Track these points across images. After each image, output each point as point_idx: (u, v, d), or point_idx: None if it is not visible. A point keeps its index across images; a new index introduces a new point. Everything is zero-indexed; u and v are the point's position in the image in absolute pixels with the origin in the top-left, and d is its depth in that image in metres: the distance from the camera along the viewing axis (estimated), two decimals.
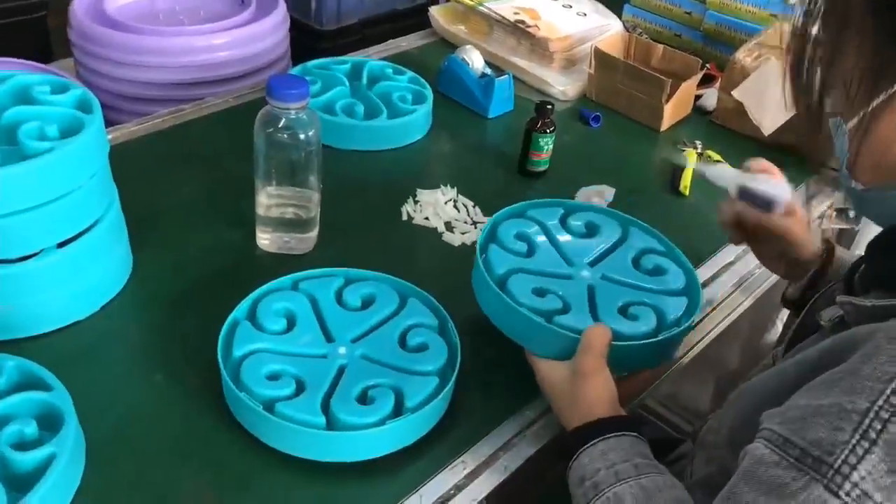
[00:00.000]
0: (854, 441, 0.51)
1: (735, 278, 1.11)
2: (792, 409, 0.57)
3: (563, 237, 0.94)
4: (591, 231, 0.95)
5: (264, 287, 0.89)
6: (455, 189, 1.18)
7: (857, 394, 0.52)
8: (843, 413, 0.52)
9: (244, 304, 0.87)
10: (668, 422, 1.70)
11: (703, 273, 1.10)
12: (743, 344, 1.57)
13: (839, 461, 0.51)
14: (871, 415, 0.51)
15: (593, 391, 0.78)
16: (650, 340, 0.83)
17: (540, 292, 0.86)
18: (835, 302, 0.71)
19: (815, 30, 0.62)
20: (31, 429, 0.72)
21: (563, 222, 0.96)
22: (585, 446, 0.74)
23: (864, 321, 0.60)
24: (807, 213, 0.92)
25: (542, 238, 0.93)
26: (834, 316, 0.66)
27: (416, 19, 1.76)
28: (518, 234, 0.92)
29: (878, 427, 0.50)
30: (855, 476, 0.50)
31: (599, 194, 1.16)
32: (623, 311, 0.86)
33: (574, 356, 0.79)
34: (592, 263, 0.91)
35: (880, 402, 0.51)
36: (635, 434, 0.75)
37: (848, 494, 0.50)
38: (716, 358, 1.56)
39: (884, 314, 0.58)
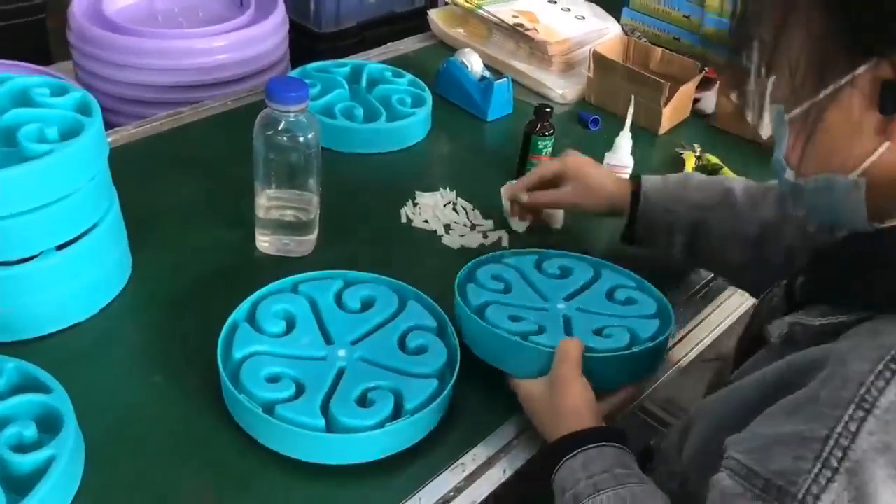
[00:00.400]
0: (816, 470, 0.51)
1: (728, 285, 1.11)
2: (754, 437, 0.57)
3: (538, 278, 0.97)
4: (564, 273, 0.98)
5: (264, 289, 0.89)
6: (454, 192, 1.18)
7: (815, 421, 0.52)
8: (803, 441, 0.52)
9: (244, 307, 0.87)
10: (666, 425, 1.70)
11: (702, 273, 1.10)
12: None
13: (802, 491, 0.51)
14: (832, 442, 0.51)
15: (571, 399, 0.78)
16: (624, 353, 0.84)
17: (516, 318, 0.87)
18: (777, 309, 0.71)
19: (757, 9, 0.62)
20: (30, 431, 0.72)
21: (539, 267, 0.99)
22: (566, 458, 0.74)
23: (813, 340, 0.60)
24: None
25: (517, 279, 0.96)
26: (782, 332, 0.65)
27: (415, 22, 1.76)
28: (494, 275, 0.95)
29: (839, 455, 0.50)
30: None
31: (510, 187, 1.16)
32: (598, 332, 0.87)
33: (553, 366, 0.81)
34: (567, 298, 0.93)
35: (839, 429, 0.51)
36: (617, 445, 0.75)
37: None
38: (714, 360, 1.56)
39: (833, 332, 0.58)
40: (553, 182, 1.05)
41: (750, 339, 0.76)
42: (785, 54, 0.59)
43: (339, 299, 0.91)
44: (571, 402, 0.78)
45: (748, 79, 0.64)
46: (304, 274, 0.92)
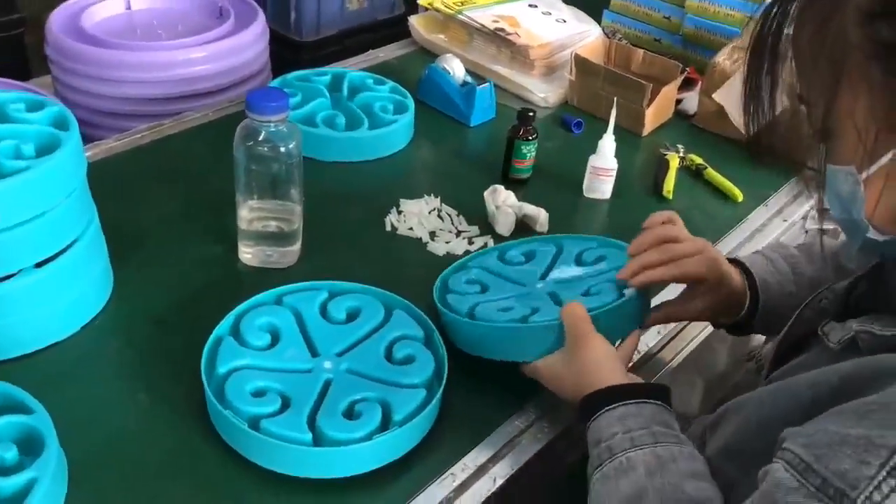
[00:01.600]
0: (880, 477, 0.49)
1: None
2: (818, 432, 0.55)
3: (507, 269, 0.97)
4: (528, 257, 0.99)
5: (247, 302, 0.88)
6: (438, 198, 1.18)
7: (887, 428, 0.51)
8: (870, 446, 0.51)
9: (227, 320, 0.86)
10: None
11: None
12: (730, 347, 1.57)
13: (862, 496, 0.49)
14: None
15: (593, 352, 0.78)
16: (618, 301, 0.84)
17: (506, 309, 0.87)
18: (826, 311, 0.70)
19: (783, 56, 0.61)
20: (11, 453, 0.71)
21: (502, 259, 1.00)
22: (605, 409, 0.73)
23: (880, 349, 0.59)
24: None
25: (489, 276, 0.97)
26: (843, 338, 0.64)
27: (396, 29, 1.76)
28: (468, 280, 0.96)
29: None
30: None
31: (494, 192, 1.16)
32: (586, 294, 0.88)
33: (565, 333, 0.80)
34: (542, 277, 0.94)
35: None
36: (659, 402, 0.74)
37: None
38: (703, 361, 1.56)
39: None
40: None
41: (792, 341, 0.75)
42: (846, 114, 0.57)
43: (324, 311, 0.90)
44: (594, 355, 0.78)
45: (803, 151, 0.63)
46: (289, 286, 0.92)
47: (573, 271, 0.94)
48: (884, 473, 0.49)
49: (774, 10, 0.61)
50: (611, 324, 0.83)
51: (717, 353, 1.59)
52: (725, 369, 1.62)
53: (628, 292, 0.85)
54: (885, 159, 0.57)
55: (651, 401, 0.74)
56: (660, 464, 0.68)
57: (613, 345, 0.83)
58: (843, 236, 0.74)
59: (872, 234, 0.61)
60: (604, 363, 0.78)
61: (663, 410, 0.74)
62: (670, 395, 0.76)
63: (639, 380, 0.78)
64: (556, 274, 0.94)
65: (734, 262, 0.91)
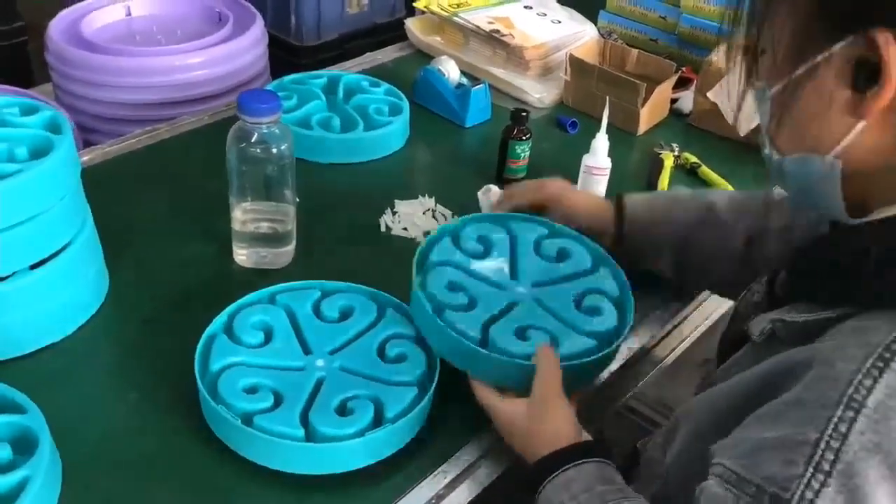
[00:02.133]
0: (808, 474, 0.50)
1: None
2: (741, 442, 0.56)
3: (476, 262, 0.93)
4: (485, 245, 0.95)
5: (241, 300, 0.89)
6: (433, 199, 1.18)
7: (804, 424, 0.51)
8: (793, 445, 0.51)
9: (221, 318, 0.87)
10: (657, 426, 1.70)
11: None
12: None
13: (796, 497, 0.50)
14: (822, 445, 0.50)
15: (552, 422, 0.77)
16: (601, 354, 0.84)
17: (522, 335, 0.84)
18: (758, 305, 0.70)
19: None
20: (4, 452, 0.72)
21: (459, 246, 0.94)
22: (549, 479, 0.73)
23: (796, 337, 0.59)
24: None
25: (464, 277, 0.91)
26: (764, 329, 0.64)
27: (396, 33, 1.76)
28: (450, 286, 0.88)
29: (831, 457, 0.50)
30: None
31: (487, 191, 1.15)
32: (577, 305, 0.88)
33: (533, 387, 0.78)
34: (513, 277, 0.92)
35: (829, 431, 0.50)
36: (597, 459, 0.73)
37: None
38: (703, 359, 1.56)
39: (816, 329, 0.57)
40: (532, 209, 1.03)
41: (731, 338, 0.75)
42: (770, 31, 0.59)
43: (317, 309, 0.90)
44: (552, 425, 0.76)
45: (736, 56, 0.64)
46: (282, 284, 0.92)
47: (542, 268, 0.92)
48: (811, 469, 0.50)
49: None
50: (582, 376, 0.84)
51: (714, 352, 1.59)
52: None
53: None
54: (786, 80, 0.58)
55: (589, 459, 0.73)
56: None
57: (580, 385, 0.84)
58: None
59: (768, 150, 0.63)
60: (557, 429, 0.76)
61: (604, 466, 0.73)
62: (606, 446, 0.76)
63: (582, 437, 0.77)
64: (526, 271, 0.91)
65: (618, 197, 1.01)
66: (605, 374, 0.93)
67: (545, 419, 0.77)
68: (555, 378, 0.78)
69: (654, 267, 1.00)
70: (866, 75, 0.54)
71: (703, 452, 0.59)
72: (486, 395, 0.81)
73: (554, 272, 0.93)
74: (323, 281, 0.94)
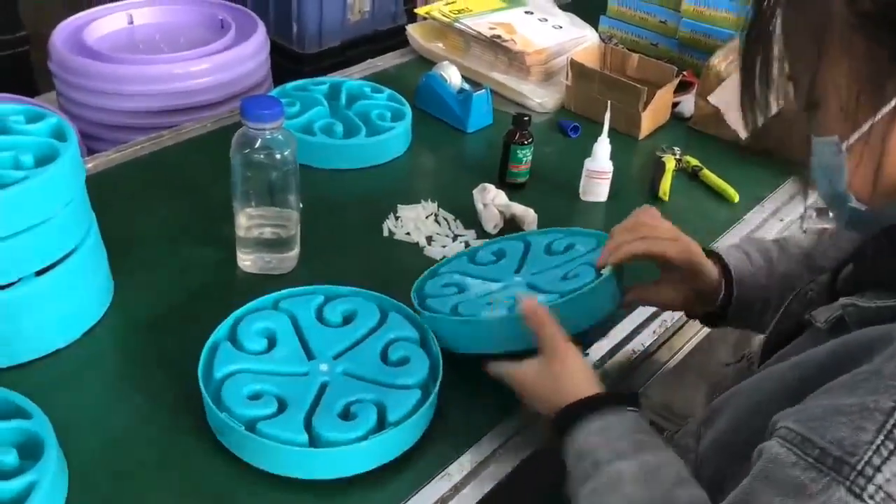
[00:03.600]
0: (878, 441, 0.49)
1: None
2: (811, 408, 0.55)
3: (480, 270, 0.98)
4: (499, 256, 1.00)
5: (244, 307, 0.90)
6: (436, 203, 1.19)
7: (881, 393, 0.50)
8: (866, 412, 0.50)
9: (224, 325, 0.87)
10: (663, 431, 1.70)
11: None
12: (733, 347, 1.57)
13: (862, 462, 0.49)
14: None
15: (567, 364, 0.77)
16: (587, 286, 0.84)
17: (489, 303, 0.89)
18: (813, 303, 0.70)
19: (773, 44, 0.62)
20: (10, 458, 0.72)
21: (473, 261, 1.01)
22: (582, 420, 0.72)
23: (868, 322, 0.59)
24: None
25: (464, 279, 0.97)
26: (831, 317, 0.64)
27: (398, 39, 1.77)
28: (444, 284, 0.96)
29: None
30: (879, 478, 0.48)
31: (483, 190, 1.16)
32: (563, 278, 0.90)
33: (539, 343, 0.80)
34: (517, 272, 0.96)
35: None
36: (634, 409, 0.74)
37: (872, 497, 0.48)
38: (707, 363, 1.56)
39: (889, 314, 0.57)
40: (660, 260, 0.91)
41: (785, 333, 0.74)
42: (829, 84, 0.58)
43: (319, 314, 0.91)
44: (568, 367, 0.77)
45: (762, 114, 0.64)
46: (285, 290, 0.93)
47: (544, 263, 0.96)
48: (882, 437, 0.49)
49: None
50: (580, 311, 0.84)
51: (720, 355, 1.59)
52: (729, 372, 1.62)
53: (605, 271, 0.86)
54: (865, 127, 0.57)
55: (627, 408, 0.73)
56: (647, 474, 0.67)
57: (589, 327, 0.84)
58: (822, 231, 0.74)
59: (854, 203, 0.62)
60: (578, 375, 0.77)
61: (638, 417, 0.73)
62: (638, 400, 0.76)
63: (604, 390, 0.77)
64: (529, 268, 0.96)
65: (710, 253, 0.91)
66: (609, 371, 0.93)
67: (565, 368, 0.77)
68: (552, 326, 0.79)
69: (757, 326, 0.92)
70: None
71: (749, 433, 0.59)
72: (500, 366, 0.83)
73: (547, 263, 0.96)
74: (326, 286, 0.94)
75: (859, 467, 0.49)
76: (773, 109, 0.67)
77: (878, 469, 0.48)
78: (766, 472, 0.54)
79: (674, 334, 1.04)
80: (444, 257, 1.09)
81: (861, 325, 0.60)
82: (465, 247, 1.11)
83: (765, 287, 0.90)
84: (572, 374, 0.77)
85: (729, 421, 0.70)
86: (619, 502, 0.66)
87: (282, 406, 0.79)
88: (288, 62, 2.15)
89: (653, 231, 0.88)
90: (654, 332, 1.02)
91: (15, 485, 0.69)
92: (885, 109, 0.56)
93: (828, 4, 0.56)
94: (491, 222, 1.13)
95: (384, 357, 0.86)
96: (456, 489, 0.80)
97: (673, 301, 0.92)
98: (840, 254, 0.75)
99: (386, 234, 1.13)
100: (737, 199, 1.28)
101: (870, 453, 0.49)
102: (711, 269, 0.89)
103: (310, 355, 0.85)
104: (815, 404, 0.55)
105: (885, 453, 0.49)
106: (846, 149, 0.59)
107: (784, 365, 0.65)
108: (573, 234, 1.00)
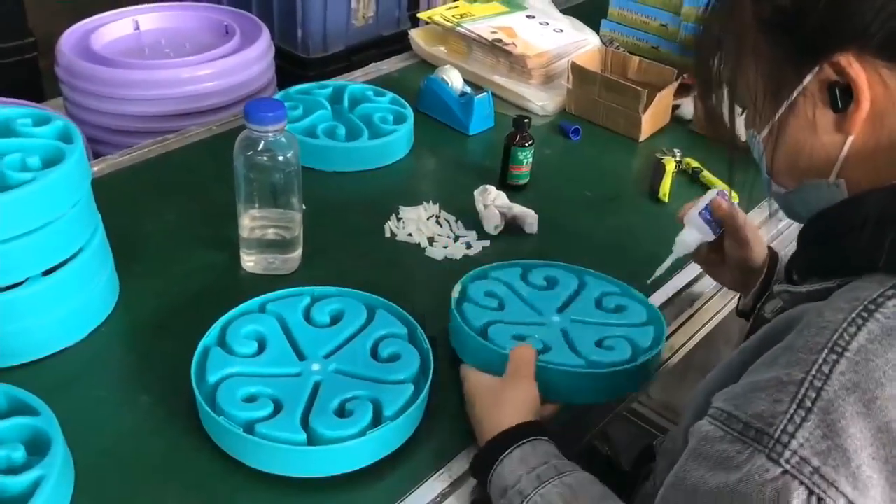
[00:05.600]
0: (791, 410, 0.53)
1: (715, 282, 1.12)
2: (736, 387, 0.59)
3: (527, 291, 0.98)
4: (550, 283, 1.00)
5: (231, 312, 0.91)
6: (437, 205, 1.20)
7: (792, 366, 0.54)
8: (780, 385, 0.54)
9: (213, 331, 0.88)
10: (664, 430, 1.70)
11: (683, 277, 1.12)
12: (734, 348, 1.58)
13: (779, 431, 0.53)
14: (806, 384, 0.53)
15: (518, 394, 0.81)
16: (582, 370, 0.86)
17: (519, 337, 0.89)
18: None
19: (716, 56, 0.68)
20: (18, 454, 0.73)
21: (524, 278, 1.00)
22: (503, 455, 0.76)
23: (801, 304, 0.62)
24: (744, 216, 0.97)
25: (508, 293, 0.97)
26: (776, 307, 0.69)
27: (402, 44, 1.78)
28: (486, 292, 0.96)
29: (813, 395, 0.53)
30: (794, 444, 0.52)
31: (484, 191, 1.17)
32: (598, 344, 0.90)
33: (507, 366, 0.84)
34: (560, 309, 0.96)
35: (813, 372, 0.53)
36: (545, 438, 0.78)
37: (787, 461, 0.52)
38: (709, 362, 1.57)
39: (818, 297, 0.61)
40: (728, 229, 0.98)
41: (753, 330, 0.77)
42: (746, 84, 0.65)
43: (307, 315, 0.92)
44: (516, 399, 0.81)
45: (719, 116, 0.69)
46: (271, 293, 0.94)
47: (590, 314, 0.95)
48: (794, 406, 0.53)
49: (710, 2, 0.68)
50: (596, 386, 0.87)
51: (722, 354, 1.60)
52: None
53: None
54: (772, 122, 0.64)
55: (540, 438, 0.77)
56: (573, 492, 0.71)
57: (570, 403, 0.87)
58: None
59: (774, 187, 0.69)
60: (516, 406, 0.80)
61: (549, 444, 0.77)
62: (553, 435, 0.80)
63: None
64: (574, 312, 0.95)
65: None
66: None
67: (508, 395, 0.81)
68: (527, 361, 0.84)
69: None
70: (841, 95, 0.59)
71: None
72: (465, 368, 0.88)
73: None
74: (312, 287, 0.95)
75: (776, 436, 0.53)
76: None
77: (792, 436, 0.52)
78: (698, 449, 0.58)
79: (673, 333, 1.05)
80: (445, 258, 1.10)
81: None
82: (467, 247, 1.12)
83: None
84: (514, 403, 0.81)
85: (692, 416, 0.72)
86: None
87: (277, 407, 0.80)
88: (293, 67, 2.17)
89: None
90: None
91: (23, 480, 0.71)
92: (784, 106, 0.62)
93: (742, 10, 0.63)
94: (492, 223, 1.14)
95: (374, 354, 0.87)
96: (456, 484, 0.81)
97: (721, 278, 1.02)
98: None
99: (388, 235, 1.15)
100: (737, 199, 1.28)
101: (785, 422, 0.53)
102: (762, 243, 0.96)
103: (300, 356, 0.86)
104: (740, 384, 0.59)
105: (797, 420, 0.53)
106: (760, 141, 0.67)
107: (732, 354, 0.69)
108: (628, 296, 0.98)
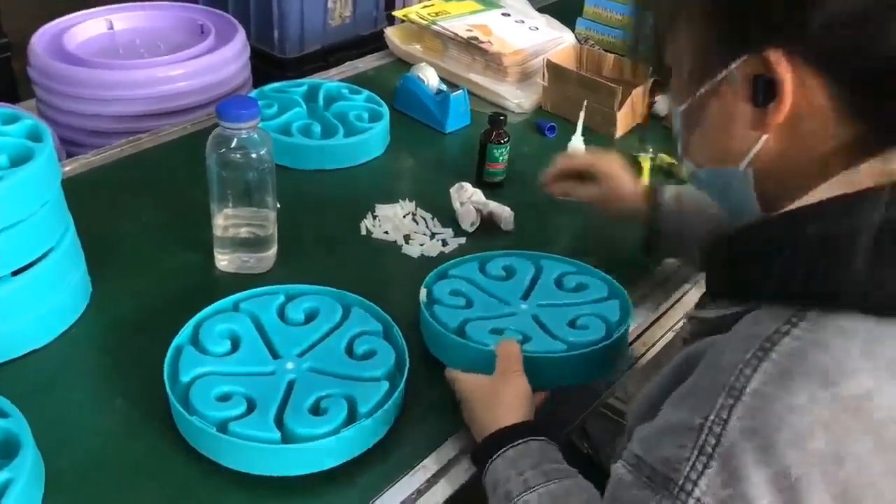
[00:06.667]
0: (693, 457, 0.53)
1: (693, 275, 1.12)
2: (646, 427, 0.59)
3: (488, 283, 0.99)
4: (509, 273, 1.01)
5: (205, 311, 0.90)
6: (413, 203, 1.20)
7: (694, 410, 0.54)
8: (684, 430, 0.54)
9: (186, 330, 0.88)
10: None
11: (659, 272, 1.12)
12: None
13: (682, 478, 0.53)
14: (706, 429, 0.52)
15: (512, 390, 0.81)
16: (588, 349, 0.87)
17: (497, 331, 0.90)
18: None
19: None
20: None
21: (482, 270, 1.01)
22: (497, 454, 0.76)
23: (714, 333, 0.61)
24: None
25: (472, 290, 0.98)
26: (695, 329, 0.67)
27: (380, 44, 1.78)
28: (452, 291, 0.97)
29: (713, 441, 0.52)
30: (697, 491, 0.52)
31: (460, 188, 1.18)
32: (571, 324, 0.91)
33: (496, 364, 0.84)
34: (524, 297, 0.96)
35: (712, 417, 0.52)
36: (544, 438, 0.77)
37: None
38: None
39: (728, 323, 0.59)
40: (578, 176, 1.09)
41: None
42: (674, 56, 0.64)
43: (281, 313, 0.91)
44: (507, 400, 0.80)
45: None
46: (245, 292, 0.93)
47: (554, 296, 0.96)
48: (696, 452, 0.53)
49: None
50: (580, 366, 0.87)
51: None
52: None
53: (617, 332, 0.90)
54: (689, 100, 0.62)
55: (536, 438, 0.76)
56: (554, 502, 0.70)
57: (560, 386, 0.87)
58: None
59: (687, 164, 0.68)
60: (509, 403, 0.80)
61: (549, 446, 0.77)
62: (547, 425, 0.80)
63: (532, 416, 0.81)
64: (537, 297, 0.96)
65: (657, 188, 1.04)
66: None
67: (502, 393, 0.81)
68: (515, 357, 0.83)
69: (687, 261, 1.08)
70: (764, 91, 0.57)
71: None
72: (452, 371, 0.87)
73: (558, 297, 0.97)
74: (287, 285, 0.95)
75: (680, 482, 0.53)
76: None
77: (695, 483, 0.52)
78: (615, 493, 0.59)
79: (647, 329, 1.06)
80: (421, 255, 1.10)
81: (709, 336, 0.62)
82: (443, 244, 1.12)
83: (686, 222, 0.99)
84: (509, 400, 0.80)
85: (628, 429, 0.73)
86: None
87: (251, 406, 0.80)
88: (270, 67, 2.16)
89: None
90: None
91: None
92: (704, 87, 0.60)
93: None
94: (468, 220, 1.14)
95: (349, 351, 0.87)
96: (432, 481, 0.81)
97: (587, 193, 1.08)
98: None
99: (364, 233, 1.14)
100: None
101: (688, 468, 0.53)
102: (630, 184, 1.04)
103: (274, 354, 0.86)
104: (653, 424, 0.58)
105: (699, 467, 0.52)
106: (679, 116, 0.65)
107: (652, 381, 0.68)
108: (586, 273, 1.00)
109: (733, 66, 0.58)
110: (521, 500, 0.71)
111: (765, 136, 0.59)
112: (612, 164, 1.06)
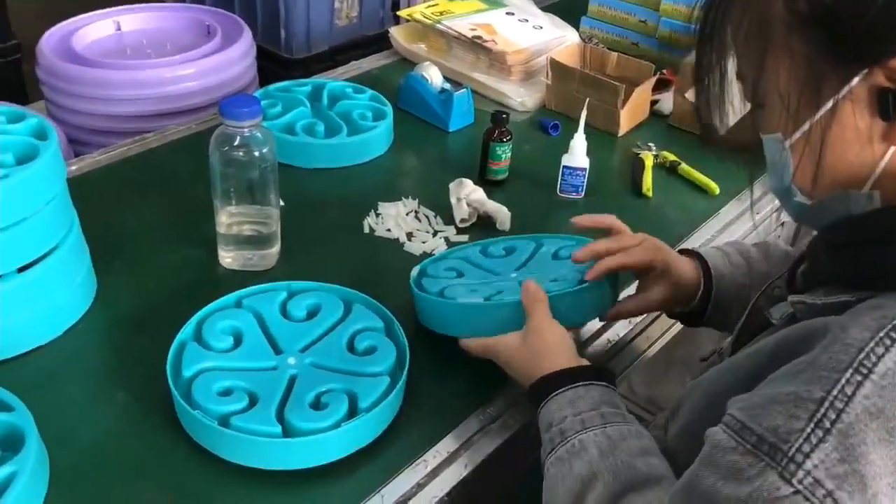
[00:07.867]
0: (809, 429, 0.52)
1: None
2: (755, 396, 0.57)
3: (487, 261, 1.01)
4: (509, 252, 1.03)
5: (208, 307, 0.91)
6: (416, 200, 1.20)
7: (813, 383, 0.53)
8: (799, 401, 0.53)
9: (189, 326, 0.88)
10: (648, 424, 1.71)
11: None
12: (716, 342, 1.59)
13: (793, 449, 0.52)
14: (826, 404, 0.52)
15: (551, 338, 0.81)
16: (583, 286, 0.87)
17: (474, 290, 0.91)
18: (779, 299, 0.72)
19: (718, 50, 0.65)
20: None
21: (485, 252, 1.03)
22: (555, 392, 0.76)
23: (816, 316, 0.61)
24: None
25: (467, 266, 1.00)
26: (784, 313, 0.67)
27: (385, 44, 1.79)
28: (446, 267, 0.99)
29: (833, 416, 0.51)
30: (808, 464, 0.51)
31: (459, 184, 1.18)
32: (554, 280, 0.91)
33: (526, 318, 0.83)
34: (518, 269, 0.98)
35: (835, 392, 0.52)
36: (605, 384, 0.77)
37: (801, 482, 0.51)
38: (692, 358, 1.58)
39: (834, 310, 0.59)
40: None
41: (751, 330, 0.76)
42: (773, 84, 0.61)
43: (284, 310, 0.92)
44: (552, 341, 0.81)
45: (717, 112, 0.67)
46: (247, 288, 0.94)
47: (546, 265, 0.97)
48: (812, 425, 0.52)
49: None
50: (571, 307, 0.86)
51: (705, 349, 1.61)
52: None
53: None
54: (805, 126, 0.60)
55: (598, 383, 0.76)
56: (611, 444, 0.70)
57: (571, 327, 0.86)
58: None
59: (799, 197, 0.65)
60: (556, 348, 0.80)
61: (610, 391, 0.76)
62: (614, 376, 0.79)
63: (586, 362, 0.81)
64: (531, 268, 0.97)
65: (691, 253, 0.94)
66: None
67: (543, 342, 0.81)
68: (542, 304, 0.83)
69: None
70: (891, 102, 0.56)
71: (707, 423, 0.60)
72: (480, 342, 0.86)
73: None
74: (289, 282, 0.96)
75: (790, 454, 0.52)
76: (729, 111, 0.69)
77: (807, 456, 0.51)
78: (710, 456, 0.57)
79: (650, 324, 1.06)
80: (423, 253, 1.11)
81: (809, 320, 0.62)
82: (446, 243, 1.13)
83: (743, 286, 0.91)
84: (550, 348, 0.80)
85: (689, 413, 0.73)
86: (581, 468, 0.69)
87: (253, 400, 0.81)
88: (277, 67, 2.17)
89: (624, 240, 0.91)
90: (629, 321, 1.03)
91: None
92: (823, 110, 0.58)
93: (769, 5, 0.59)
94: (458, 216, 1.15)
95: (351, 347, 0.88)
96: (432, 475, 0.81)
97: (659, 303, 0.93)
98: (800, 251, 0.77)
99: (367, 230, 1.15)
100: (717, 191, 1.30)
101: (800, 440, 0.52)
102: (685, 264, 0.91)
103: (277, 350, 0.87)
104: (757, 393, 0.57)
105: (814, 441, 0.51)
106: (789, 146, 0.62)
107: (739, 356, 0.67)
108: (583, 244, 0.98)
109: (853, 82, 0.56)
110: (577, 439, 0.71)
111: (893, 149, 0.58)
112: (667, 258, 0.91)
